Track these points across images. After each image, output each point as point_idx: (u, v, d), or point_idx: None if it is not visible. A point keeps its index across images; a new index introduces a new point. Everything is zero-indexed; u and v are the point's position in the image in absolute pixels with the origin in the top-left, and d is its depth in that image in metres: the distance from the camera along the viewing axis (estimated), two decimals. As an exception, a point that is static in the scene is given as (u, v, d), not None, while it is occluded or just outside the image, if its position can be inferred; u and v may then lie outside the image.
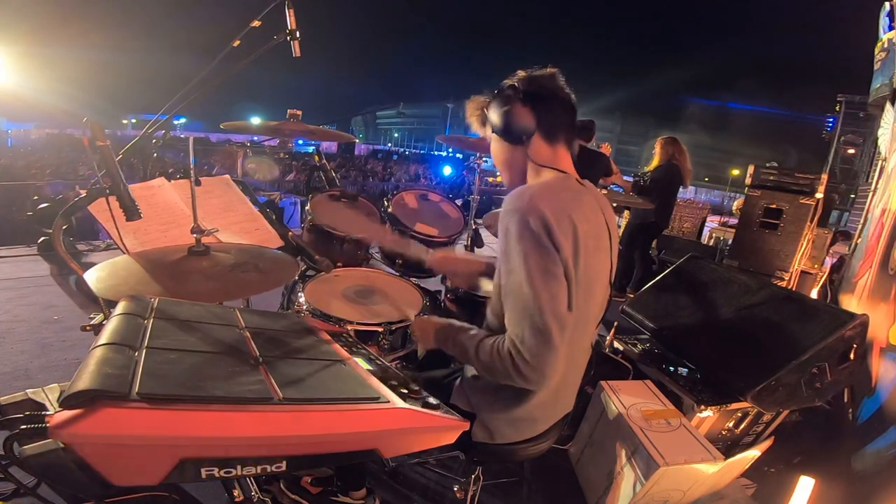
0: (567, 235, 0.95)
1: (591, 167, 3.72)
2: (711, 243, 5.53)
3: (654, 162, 3.99)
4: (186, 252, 1.22)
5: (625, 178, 4.40)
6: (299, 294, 1.69)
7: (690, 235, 5.99)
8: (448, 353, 1.12)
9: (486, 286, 2.09)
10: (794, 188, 3.29)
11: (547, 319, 0.92)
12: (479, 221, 2.64)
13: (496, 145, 1.15)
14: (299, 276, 1.84)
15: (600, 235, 1.06)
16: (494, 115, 1.08)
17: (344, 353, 0.93)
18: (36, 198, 5.37)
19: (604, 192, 3.17)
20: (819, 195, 3.22)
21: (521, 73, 1.09)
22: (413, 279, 2.01)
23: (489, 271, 1.36)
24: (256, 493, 1.15)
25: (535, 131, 1.06)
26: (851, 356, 1.69)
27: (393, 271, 2.12)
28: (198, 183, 1.37)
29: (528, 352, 0.92)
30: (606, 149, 4.06)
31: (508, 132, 1.07)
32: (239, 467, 0.61)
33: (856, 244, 3.95)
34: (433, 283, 2.20)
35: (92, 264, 1.11)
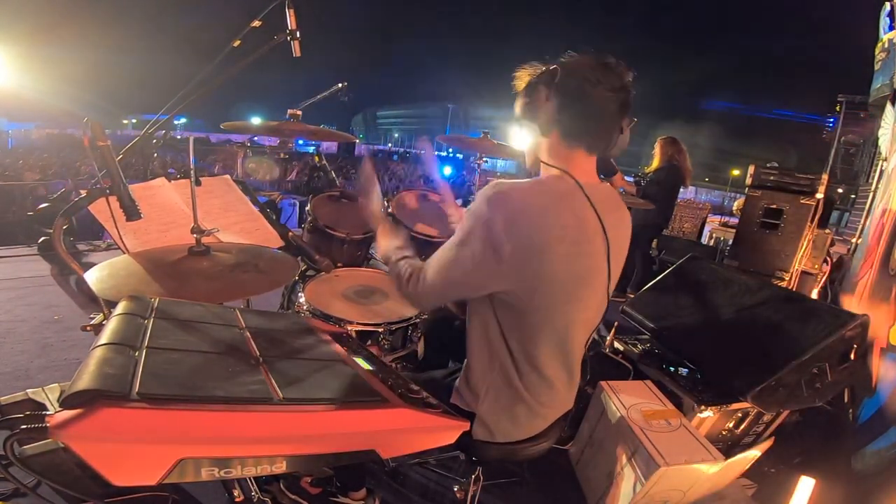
0: (514, 236, 0.95)
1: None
2: (711, 243, 5.53)
3: (654, 163, 3.99)
4: (186, 252, 1.22)
5: (626, 178, 4.40)
6: (299, 294, 1.69)
7: (691, 235, 6.00)
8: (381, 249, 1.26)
9: None
10: (794, 188, 3.29)
11: (447, 272, 1.01)
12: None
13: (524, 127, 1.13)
14: (299, 276, 1.84)
15: (582, 242, 1.01)
16: (519, 99, 1.06)
17: (344, 353, 0.93)
18: (32, 198, 5.38)
19: None
20: (819, 195, 3.22)
21: (569, 58, 1.02)
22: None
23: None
24: (256, 493, 1.15)
25: (555, 127, 1.03)
26: (852, 356, 1.69)
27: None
28: (198, 183, 1.37)
29: (421, 282, 1.05)
30: None
31: (526, 121, 1.07)
32: (239, 467, 0.62)
33: (856, 244, 3.95)
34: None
35: (92, 264, 1.11)
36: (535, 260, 0.96)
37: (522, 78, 1.08)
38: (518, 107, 1.07)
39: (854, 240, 4.18)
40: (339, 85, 2.48)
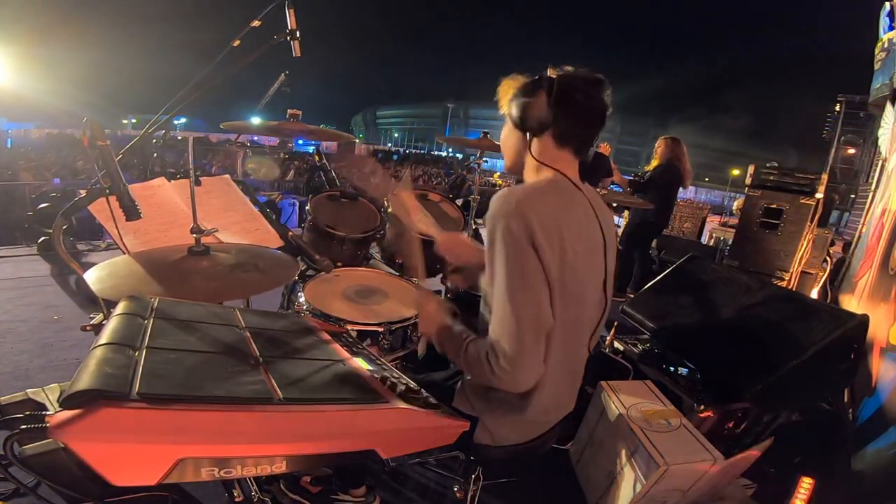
0: (551, 241, 0.94)
1: (593, 169, 3.73)
2: (711, 243, 5.53)
3: (655, 162, 4.00)
4: (186, 252, 1.22)
5: (623, 177, 4.41)
6: (299, 294, 1.69)
7: (691, 235, 6.00)
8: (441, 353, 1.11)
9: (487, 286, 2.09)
10: (794, 188, 3.29)
11: (522, 327, 0.92)
12: (479, 221, 2.64)
13: (507, 128, 1.13)
14: (299, 276, 1.84)
15: (591, 239, 1.05)
16: (515, 102, 1.06)
17: (344, 353, 0.93)
18: (32, 198, 5.39)
19: (603, 192, 3.17)
20: (819, 195, 3.22)
21: (565, 69, 1.05)
22: (413, 279, 2.01)
23: None
24: (256, 493, 1.15)
25: (548, 129, 1.04)
26: (851, 356, 1.69)
27: (393, 271, 2.12)
28: (198, 183, 1.37)
29: (504, 357, 0.93)
30: (605, 149, 4.07)
31: (522, 121, 1.05)
32: (239, 467, 0.61)
33: (856, 244, 3.95)
34: (433, 284, 2.20)
35: (92, 264, 1.11)
36: (563, 261, 0.96)
37: (512, 84, 1.09)
38: (514, 105, 1.06)
39: (854, 239, 4.18)
40: (282, 76, 2.41)
